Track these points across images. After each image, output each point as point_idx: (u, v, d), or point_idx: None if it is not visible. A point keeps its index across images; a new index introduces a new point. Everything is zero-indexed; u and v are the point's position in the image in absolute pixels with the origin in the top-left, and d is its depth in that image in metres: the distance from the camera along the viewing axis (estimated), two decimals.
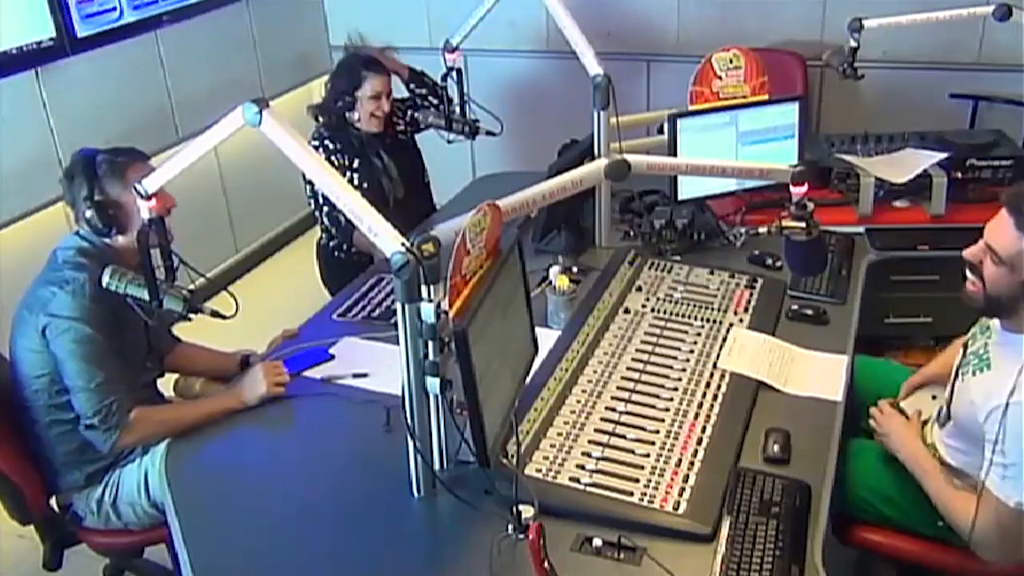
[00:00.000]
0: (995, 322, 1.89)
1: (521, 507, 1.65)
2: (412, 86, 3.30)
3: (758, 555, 1.63)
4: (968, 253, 1.80)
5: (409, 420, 1.74)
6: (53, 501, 2.31)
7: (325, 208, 3.02)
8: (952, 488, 1.89)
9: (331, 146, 3.08)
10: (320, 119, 3.13)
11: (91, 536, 2.31)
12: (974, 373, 1.89)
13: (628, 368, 2.16)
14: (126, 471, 2.25)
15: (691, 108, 2.77)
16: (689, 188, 2.76)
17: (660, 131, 2.83)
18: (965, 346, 1.99)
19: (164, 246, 2.08)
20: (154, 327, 2.28)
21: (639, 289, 2.50)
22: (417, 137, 3.34)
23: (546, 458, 1.86)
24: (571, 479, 1.81)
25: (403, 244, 1.62)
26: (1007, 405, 1.69)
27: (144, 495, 2.21)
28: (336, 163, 3.07)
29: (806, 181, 2.10)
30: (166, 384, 2.51)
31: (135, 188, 2.02)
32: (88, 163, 2.15)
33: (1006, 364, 1.78)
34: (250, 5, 4.36)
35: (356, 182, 3.08)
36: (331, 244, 3.17)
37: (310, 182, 2.85)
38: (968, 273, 1.82)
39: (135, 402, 2.12)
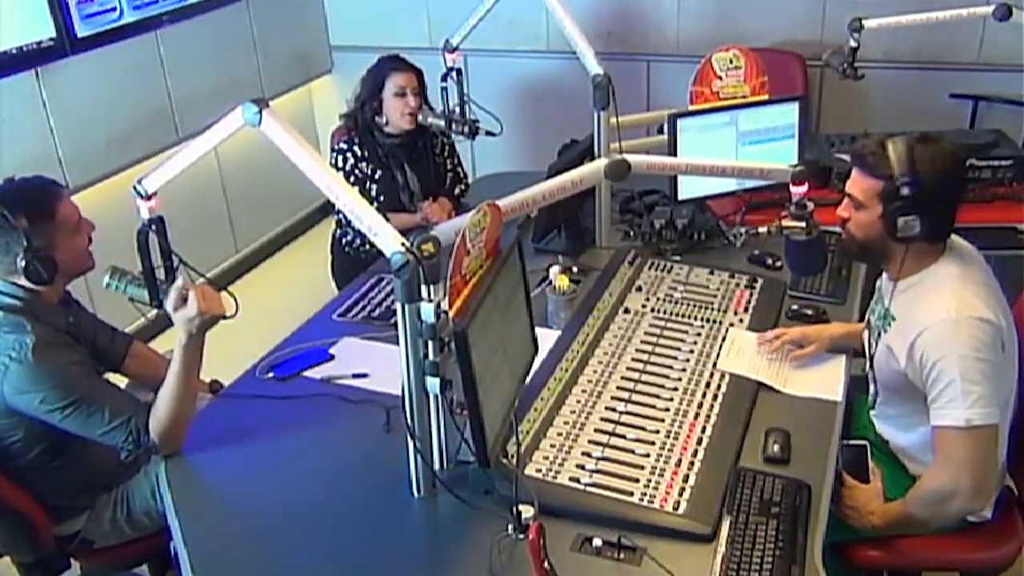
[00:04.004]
0: (883, 280, 2.08)
1: (521, 507, 1.65)
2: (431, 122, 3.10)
3: (758, 555, 1.62)
4: (839, 210, 2.02)
5: (409, 420, 1.74)
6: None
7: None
8: (908, 495, 1.94)
9: (359, 152, 3.07)
10: (349, 127, 3.12)
11: (101, 556, 2.27)
12: (885, 330, 2.00)
13: (628, 368, 2.16)
14: (133, 483, 2.22)
15: (691, 108, 2.77)
16: (689, 188, 2.76)
17: (660, 131, 2.83)
18: (869, 323, 2.12)
19: (164, 246, 2.07)
20: (103, 336, 2.24)
21: (639, 289, 2.50)
22: (468, 149, 3.31)
23: (546, 458, 1.86)
24: (571, 479, 1.81)
25: (403, 244, 1.62)
26: (919, 335, 1.85)
27: (160, 499, 2.13)
28: (360, 171, 3.07)
29: (806, 181, 2.11)
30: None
31: (135, 188, 2.02)
32: (15, 210, 1.93)
33: (908, 307, 1.93)
34: (250, 5, 4.36)
35: (374, 193, 3.08)
36: (344, 239, 3.16)
37: None
38: (842, 230, 2.03)
39: (145, 415, 2.01)
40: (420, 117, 3.02)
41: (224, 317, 1.96)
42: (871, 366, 2.09)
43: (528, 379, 1.98)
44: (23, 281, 2.01)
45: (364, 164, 3.08)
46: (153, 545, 2.29)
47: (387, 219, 1.71)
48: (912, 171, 1.82)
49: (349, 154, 3.07)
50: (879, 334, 2.03)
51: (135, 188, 2.04)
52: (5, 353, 1.93)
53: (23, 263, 1.95)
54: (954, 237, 1.97)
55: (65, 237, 2.03)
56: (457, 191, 3.27)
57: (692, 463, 1.84)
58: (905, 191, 1.83)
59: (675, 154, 2.66)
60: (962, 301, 1.84)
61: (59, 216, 2.02)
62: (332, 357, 2.34)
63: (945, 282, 1.89)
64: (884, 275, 2.09)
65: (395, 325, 1.69)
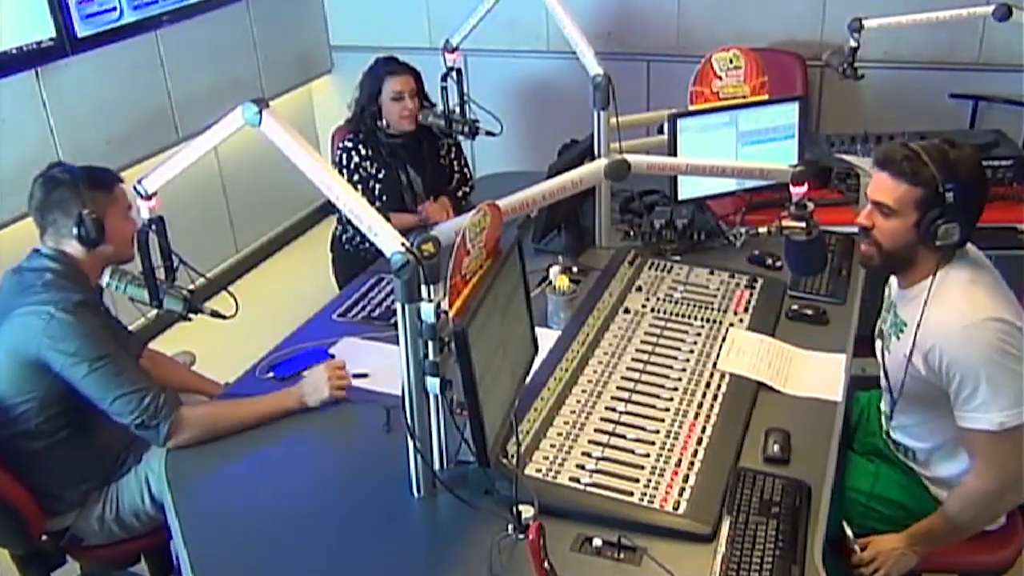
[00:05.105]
0: (893, 289, 2.06)
1: (521, 507, 1.65)
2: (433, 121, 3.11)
3: (758, 555, 1.63)
4: (860, 219, 1.95)
5: (409, 420, 1.74)
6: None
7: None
8: (950, 503, 1.93)
9: (363, 151, 3.08)
10: (353, 130, 3.13)
11: (92, 553, 2.28)
12: (897, 337, 1.98)
13: (628, 368, 2.16)
14: (123, 483, 2.22)
15: (691, 108, 2.77)
16: (689, 188, 2.76)
17: (660, 131, 2.83)
18: (881, 332, 2.10)
19: (164, 246, 2.07)
20: (120, 334, 2.26)
21: (639, 289, 2.50)
22: (468, 149, 3.32)
23: (546, 458, 1.86)
24: (571, 479, 1.80)
25: (403, 244, 1.62)
26: (935, 343, 1.83)
27: (148, 501, 2.18)
28: (364, 170, 3.07)
29: (806, 181, 2.11)
30: None
31: (135, 188, 2.03)
32: (78, 177, 2.09)
33: (919, 312, 1.88)
34: (250, 5, 4.37)
35: (377, 192, 3.09)
36: (345, 236, 3.16)
37: None
38: (862, 239, 1.98)
39: (173, 396, 2.06)
40: (420, 117, 3.02)
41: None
42: (885, 376, 2.06)
43: (528, 379, 1.98)
44: (71, 250, 2.09)
45: (368, 163, 3.08)
46: (145, 545, 2.30)
47: (388, 219, 1.71)
48: (954, 178, 1.81)
49: (353, 152, 3.08)
50: (891, 343, 2.01)
51: (135, 188, 2.05)
52: (51, 303, 2.00)
53: (77, 222, 2.04)
54: None
55: (116, 215, 2.12)
56: (460, 193, 3.27)
57: (692, 463, 1.84)
58: (950, 198, 1.80)
59: (675, 154, 2.66)
60: (975, 304, 1.82)
61: (115, 192, 2.15)
62: (332, 357, 2.34)
63: (956, 286, 1.87)
64: (894, 282, 2.07)
65: (395, 325, 1.69)
